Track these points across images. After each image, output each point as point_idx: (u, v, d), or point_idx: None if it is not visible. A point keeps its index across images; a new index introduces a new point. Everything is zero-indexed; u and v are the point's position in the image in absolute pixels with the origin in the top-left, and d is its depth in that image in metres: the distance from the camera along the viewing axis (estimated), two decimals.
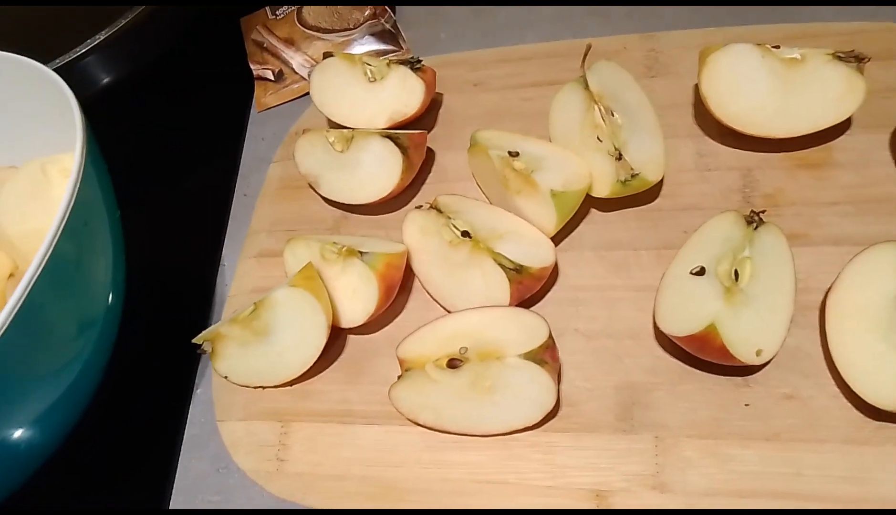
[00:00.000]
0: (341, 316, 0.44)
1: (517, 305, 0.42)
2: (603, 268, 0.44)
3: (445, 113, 0.55)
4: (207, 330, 0.44)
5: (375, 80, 0.52)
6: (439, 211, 0.46)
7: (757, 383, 0.39)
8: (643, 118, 0.45)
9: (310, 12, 0.63)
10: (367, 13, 0.61)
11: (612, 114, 0.46)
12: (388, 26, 0.61)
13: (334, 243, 0.45)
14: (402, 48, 0.60)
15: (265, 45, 0.62)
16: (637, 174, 0.43)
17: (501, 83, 0.54)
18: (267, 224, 0.53)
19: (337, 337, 0.46)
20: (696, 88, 0.48)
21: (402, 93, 0.51)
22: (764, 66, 0.44)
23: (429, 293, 0.46)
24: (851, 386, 0.36)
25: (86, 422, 0.41)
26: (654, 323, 0.41)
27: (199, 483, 0.44)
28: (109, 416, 0.46)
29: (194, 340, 0.44)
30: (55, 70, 0.41)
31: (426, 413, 0.40)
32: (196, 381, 0.48)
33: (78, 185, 0.36)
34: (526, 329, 0.39)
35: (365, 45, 0.60)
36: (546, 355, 0.38)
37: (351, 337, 0.46)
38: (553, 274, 0.45)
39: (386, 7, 0.61)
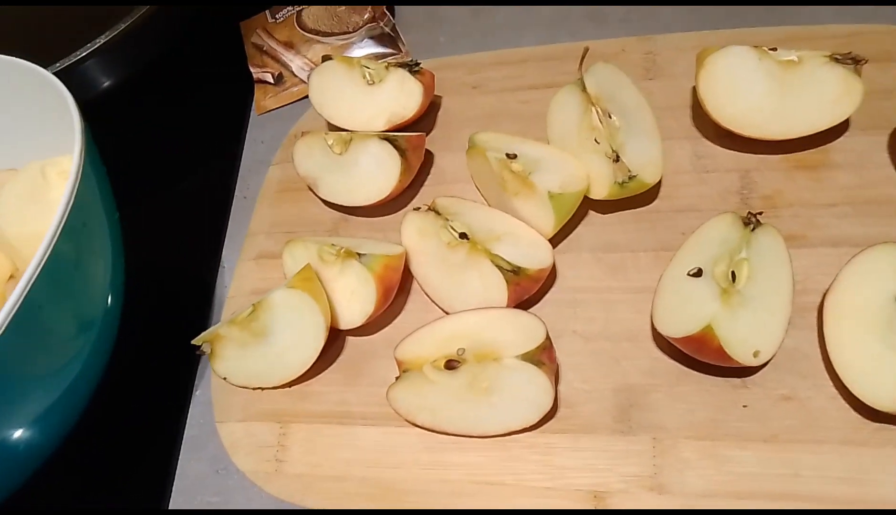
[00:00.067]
0: (340, 317, 0.44)
1: (515, 307, 0.42)
2: (600, 270, 0.44)
3: (444, 115, 0.55)
4: (206, 331, 0.44)
5: (374, 82, 0.52)
6: (437, 212, 0.46)
7: (755, 384, 0.39)
8: (641, 120, 0.46)
9: (309, 16, 0.63)
10: (366, 17, 0.61)
11: (610, 117, 0.46)
12: (387, 30, 0.61)
13: (332, 245, 0.45)
14: (401, 51, 0.60)
15: (265, 49, 0.63)
16: (635, 176, 0.43)
17: (499, 85, 0.54)
18: (266, 226, 0.53)
19: (335, 338, 0.46)
20: (694, 90, 0.48)
21: (400, 96, 0.51)
22: (761, 68, 0.44)
23: (427, 294, 0.46)
24: (849, 388, 0.36)
25: (85, 423, 0.41)
26: (652, 325, 0.41)
27: (198, 483, 0.44)
28: (109, 417, 0.46)
29: (193, 341, 0.44)
30: (55, 73, 0.42)
31: (424, 414, 0.40)
32: (195, 382, 0.48)
33: (76, 187, 0.36)
34: (523, 330, 0.39)
35: (364, 49, 0.60)
36: (543, 356, 0.38)
37: (349, 339, 0.46)
38: (551, 276, 0.45)
39: (385, 10, 0.61)
